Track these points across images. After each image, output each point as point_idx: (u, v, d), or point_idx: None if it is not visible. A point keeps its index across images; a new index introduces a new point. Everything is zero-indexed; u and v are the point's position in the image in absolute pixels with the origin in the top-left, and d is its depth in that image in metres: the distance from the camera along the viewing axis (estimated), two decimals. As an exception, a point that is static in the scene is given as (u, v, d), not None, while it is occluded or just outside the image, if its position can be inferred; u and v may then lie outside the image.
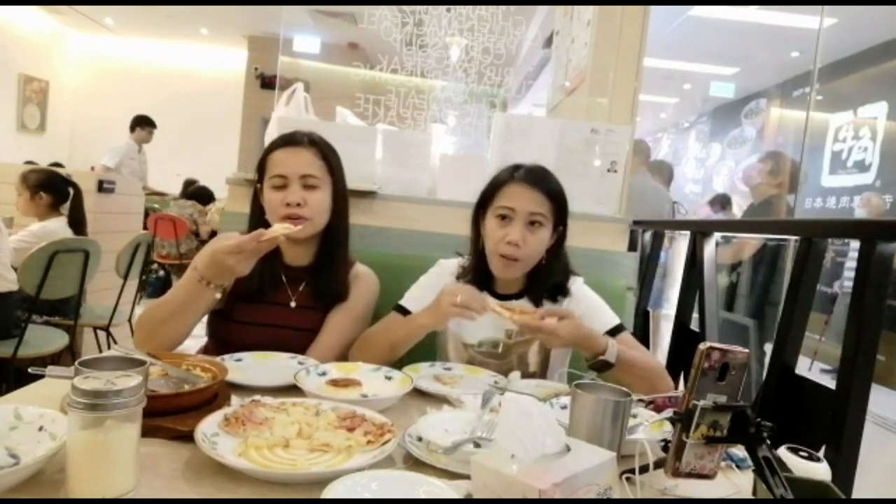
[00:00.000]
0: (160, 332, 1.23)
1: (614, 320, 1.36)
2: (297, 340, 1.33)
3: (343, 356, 1.33)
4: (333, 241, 1.41)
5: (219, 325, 1.39)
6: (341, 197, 1.40)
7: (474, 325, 1.41)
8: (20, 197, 2.96)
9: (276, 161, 1.34)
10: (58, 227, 2.92)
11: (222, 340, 1.36)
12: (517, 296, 1.38)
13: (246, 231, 1.40)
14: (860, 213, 5.70)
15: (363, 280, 1.44)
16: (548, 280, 1.36)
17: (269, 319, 1.37)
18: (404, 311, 1.39)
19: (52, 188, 2.98)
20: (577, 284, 1.40)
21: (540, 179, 1.33)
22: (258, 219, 1.38)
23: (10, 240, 2.77)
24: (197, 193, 6.19)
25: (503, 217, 1.32)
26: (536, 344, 1.41)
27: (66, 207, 3.03)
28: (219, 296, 1.24)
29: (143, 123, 6.12)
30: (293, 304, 1.39)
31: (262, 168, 1.38)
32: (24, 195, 2.94)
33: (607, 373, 1.23)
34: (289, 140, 1.37)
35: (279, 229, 1.18)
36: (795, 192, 4.12)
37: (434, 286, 1.43)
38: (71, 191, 3.04)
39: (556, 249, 1.37)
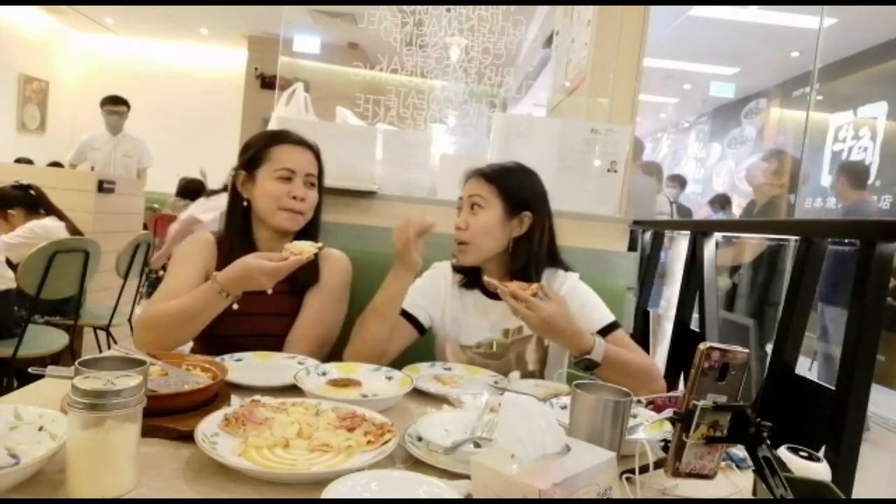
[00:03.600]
0: (167, 338, 1.24)
1: (608, 318, 1.35)
2: (278, 325, 1.39)
3: (323, 335, 1.38)
4: (310, 234, 1.46)
5: None
6: (321, 196, 1.49)
7: (472, 328, 1.42)
8: None
9: (286, 155, 1.40)
10: (52, 224, 2.92)
11: (207, 333, 1.37)
12: None
13: (224, 228, 1.45)
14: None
15: (331, 260, 1.48)
16: (527, 269, 1.36)
17: (249, 308, 1.38)
18: (402, 313, 1.39)
19: (15, 202, 2.92)
20: (571, 281, 1.39)
21: (486, 170, 1.40)
22: (238, 207, 1.43)
23: (9, 236, 2.76)
24: (185, 189, 6.11)
25: (459, 208, 1.40)
26: (534, 341, 1.41)
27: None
28: (236, 307, 1.27)
29: (103, 103, 5.08)
30: (269, 291, 1.40)
31: (258, 158, 1.40)
32: None
33: (596, 371, 1.23)
34: (297, 140, 1.44)
35: (309, 248, 1.23)
36: (796, 191, 4.12)
37: (429, 288, 1.45)
38: (33, 192, 2.98)
39: (527, 237, 1.38)
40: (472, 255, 1.37)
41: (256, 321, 1.39)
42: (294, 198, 1.38)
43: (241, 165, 1.43)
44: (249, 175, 1.41)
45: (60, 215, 3.01)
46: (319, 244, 1.27)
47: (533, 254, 1.38)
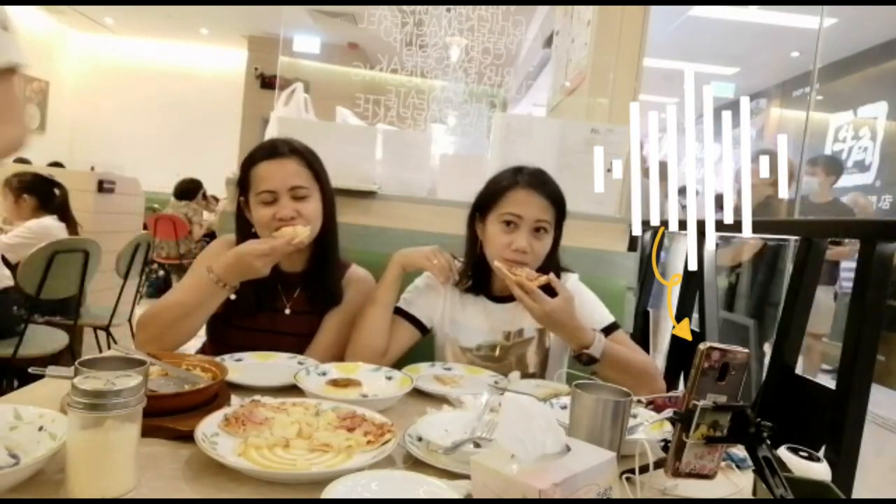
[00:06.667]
0: (167, 334, 1.23)
1: (608, 319, 1.36)
2: (294, 345, 1.34)
3: (339, 359, 1.32)
4: (326, 246, 1.40)
5: (217, 329, 1.40)
6: (330, 202, 1.39)
7: (471, 330, 1.41)
8: (5, 200, 2.97)
9: (261, 176, 1.31)
10: (52, 224, 2.93)
11: (221, 343, 1.36)
12: (512, 298, 1.38)
13: (236, 241, 1.39)
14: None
15: (358, 284, 1.44)
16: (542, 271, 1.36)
17: (266, 325, 1.37)
18: (401, 313, 1.40)
19: (35, 190, 2.98)
20: (570, 281, 1.39)
21: (544, 184, 1.33)
22: (246, 233, 1.36)
23: (7, 236, 2.77)
24: (182, 189, 6.10)
25: (508, 223, 1.30)
26: (534, 344, 1.41)
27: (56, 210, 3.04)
28: (233, 297, 1.25)
29: None
30: (288, 311, 1.39)
31: (245, 182, 1.34)
32: (9, 199, 2.96)
33: (595, 368, 1.24)
34: (271, 152, 1.33)
35: (301, 231, 1.22)
36: (797, 190, 4.11)
37: (429, 288, 1.44)
38: (57, 192, 3.04)
39: (553, 250, 1.37)
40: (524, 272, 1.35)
41: (271, 338, 1.34)
42: (281, 219, 1.28)
43: (239, 191, 1.37)
44: (246, 200, 1.35)
45: (70, 221, 3.04)
46: (308, 227, 1.24)
47: (553, 265, 1.37)
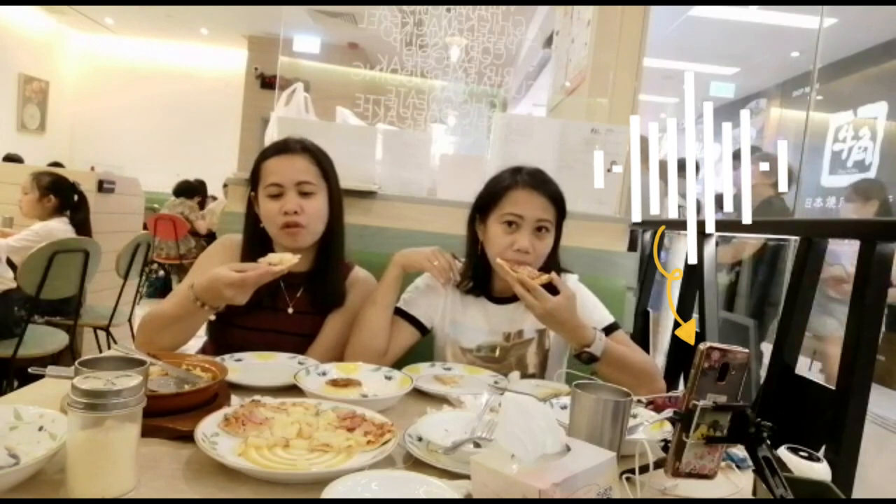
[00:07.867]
0: (158, 339, 1.23)
1: (608, 319, 1.36)
2: (296, 345, 1.34)
3: (339, 359, 1.33)
4: (330, 247, 1.40)
5: (218, 328, 1.40)
6: (337, 203, 1.39)
7: (472, 331, 1.41)
8: (27, 196, 2.97)
9: (270, 169, 1.33)
10: (60, 227, 2.94)
11: (222, 342, 1.36)
12: (515, 298, 1.38)
13: (243, 237, 1.40)
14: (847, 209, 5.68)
15: (361, 285, 1.44)
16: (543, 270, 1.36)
17: (268, 325, 1.37)
18: (402, 314, 1.40)
19: (61, 192, 3.02)
20: (570, 282, 1.38)
21: (543, 183, 1.33)
22: (254, 227, 1.38)
23: (14, 239, 2.78)
24: (182, 189, 6.11)
25: (510, 223, 1.30)
26: (534, 345, 1.41)
27: (69, 216, 3.07)
28: (213, 317, 1.24)
29: None
30: (290, 311, 1.39)
31: (255, 177, 1.36)
32: (33, 195, 2.96)
33: (596, 367, 1.24)
34: (282, 148, 1.36)
35: (288, 259, 1.18)
36: (796, 190, 4.11)
37: (430, 289, 1.44)
38: (76, 198, 3.08)
39: (553, 250, 1.37)
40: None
41: (274, 338, 1.34)
42: (286, 213, 1.29)
43: (250, 186, 1.39)
44: (256, 196, 1.36)
45: (87, 232, 3.05)
46: (298, 256, 1.20)
47: (554, 265, 1.37)
